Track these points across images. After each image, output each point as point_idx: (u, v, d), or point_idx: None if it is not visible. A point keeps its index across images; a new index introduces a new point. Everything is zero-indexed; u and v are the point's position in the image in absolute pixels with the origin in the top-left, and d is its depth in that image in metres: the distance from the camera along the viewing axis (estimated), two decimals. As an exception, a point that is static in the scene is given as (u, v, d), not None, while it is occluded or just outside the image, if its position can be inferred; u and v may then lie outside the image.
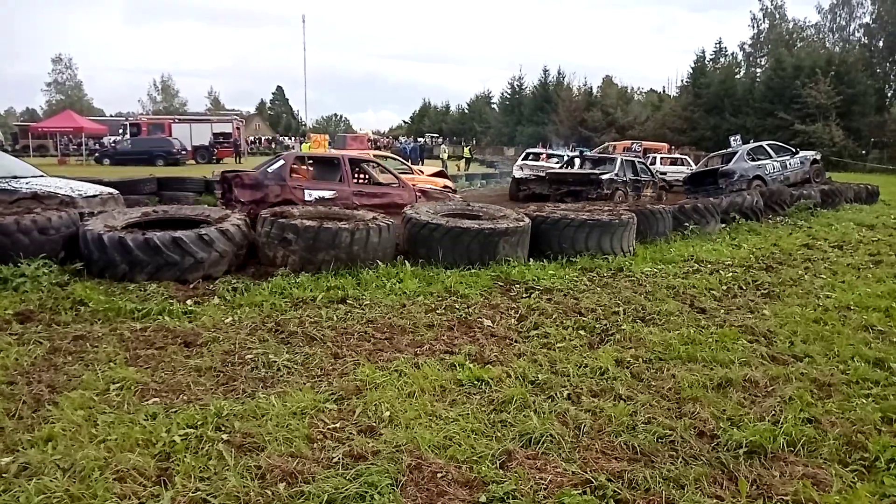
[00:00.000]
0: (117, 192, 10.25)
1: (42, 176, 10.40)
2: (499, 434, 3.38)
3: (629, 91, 67.15)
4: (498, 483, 2.88)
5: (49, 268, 6.02)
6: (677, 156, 30.02)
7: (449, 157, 42.89)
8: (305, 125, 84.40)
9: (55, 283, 5.82)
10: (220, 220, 6.98)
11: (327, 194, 10.26)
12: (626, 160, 17.40)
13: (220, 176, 10.38)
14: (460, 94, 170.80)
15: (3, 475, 2.79)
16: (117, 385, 3.78)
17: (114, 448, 3.04)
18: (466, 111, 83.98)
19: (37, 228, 6.29)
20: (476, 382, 4.04)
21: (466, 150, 49.05)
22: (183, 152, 35.47)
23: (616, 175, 16.04)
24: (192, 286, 6.13)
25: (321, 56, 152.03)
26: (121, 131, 42.43)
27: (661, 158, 27.27)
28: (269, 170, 10.22)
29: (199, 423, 3.32)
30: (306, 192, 10.12)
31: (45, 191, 9.22)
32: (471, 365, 4.32)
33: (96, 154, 38.37)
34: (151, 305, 5.34)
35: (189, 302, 5.57)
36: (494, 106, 78.42)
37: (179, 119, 45.10)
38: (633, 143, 31.98)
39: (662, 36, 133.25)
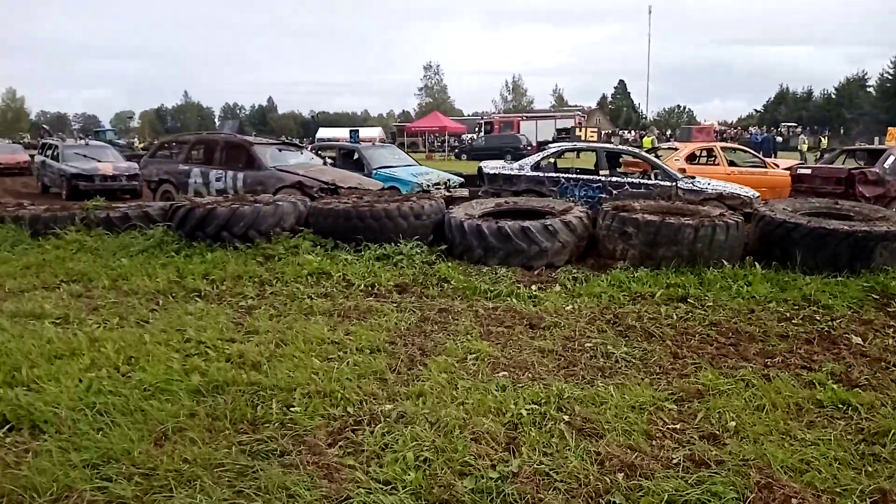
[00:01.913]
0: None
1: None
2: (869, 468, 2.92)
3: None
4: (868, 524, 2.50)
5: (420, 248, 7.02)
6: None
7: (809, 149, 37.68)
8: (646, 118, 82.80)
9: (425, 261, 6.75)
10: (564, 213, 7.28)
11: None
12: None
13: (845, 173, 10.84)
14: (825, 78, 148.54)
15: (386, 419, 3.35)
16: (473, 356, 4.25)
17: (470, 411, 3.42)
18: (833, 96, 73.00)
19: (413, 214, 7.35)
20: (840, 406, 3.55)
21: (825, 139, 42.67)
22: (528, 147, 37.65)
23: None
24: (535, 273, 6.54)
25: (664, 47, 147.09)
26: (476, 129, 46.84)
27: None
28: (885, 165, 10.60)
29: (542, 400, 3.54)
30: None
31: (727, 192, 9.84)
32: (834, 385, 3.80)
33: (456, 150, 43.31)
34: (501, 287, 5.85)
35: (534, 287, 5.96)
36: (871, 90, 66.65)
37: (527, 116, 47.99)
38: None
39: None
